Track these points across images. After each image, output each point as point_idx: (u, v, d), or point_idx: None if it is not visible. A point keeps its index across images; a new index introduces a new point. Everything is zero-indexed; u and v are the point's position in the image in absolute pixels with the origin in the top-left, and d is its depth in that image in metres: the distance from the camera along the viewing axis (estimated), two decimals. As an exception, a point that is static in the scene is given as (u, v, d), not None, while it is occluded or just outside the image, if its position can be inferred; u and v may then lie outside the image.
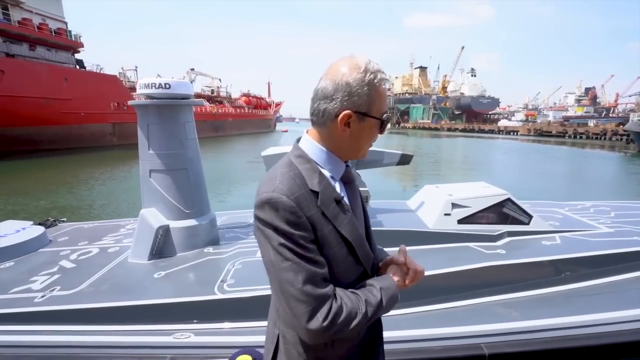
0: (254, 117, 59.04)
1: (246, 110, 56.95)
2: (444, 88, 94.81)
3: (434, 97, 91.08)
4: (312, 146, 0.87)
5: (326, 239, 0.80)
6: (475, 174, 16.54)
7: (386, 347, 2.31)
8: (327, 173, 0.86)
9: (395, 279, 0.91)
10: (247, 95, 62.77)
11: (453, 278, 2.84)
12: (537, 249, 3.31)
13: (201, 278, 3.01)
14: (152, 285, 2.92)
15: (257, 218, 0.79)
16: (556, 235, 3.58)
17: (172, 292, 2.79)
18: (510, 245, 3.35)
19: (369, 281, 0.88)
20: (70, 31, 24.44)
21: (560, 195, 8.71)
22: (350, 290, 0.83)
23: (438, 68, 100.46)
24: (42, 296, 2.80)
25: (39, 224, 4.64)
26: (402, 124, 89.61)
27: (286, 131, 67.41)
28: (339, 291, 0.80)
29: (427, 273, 3.00)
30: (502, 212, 3.62)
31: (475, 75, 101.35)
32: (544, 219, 3.97)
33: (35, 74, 19.76)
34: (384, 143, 39.38)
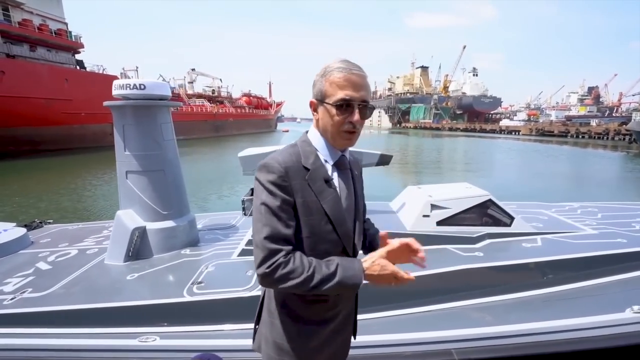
0: (255, 117, 59.10)
1: (247, 110, 57.02)
2: (446, 88, 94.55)
3: (435, 96, 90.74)
4: (313, 133, 1.06)
5: (307, 207, 0.96)
6: (472, 173, 16.45)
7: (354, 352, 2.28)
8: (322, 156, 1.03)
9: (366, 265, 0.96)
10: (248, 95, 62.91)
11: (426, 281, 2.79)
12: (516, 251, 3.26)
13: (173, 280, 2.99)
14: (123, 287, 2.90)
15: (255, 178, 0.97)
16: (538, 237, 3.53)
17: (143, 294, 2.77)
18: (489, 248, 3.30)
19: (336, 257, 0.97)
20: (70, 32, 24.56)
21: (555, 196, 8.63)
22: (310, 257, 0.95)
23: (439, 68, 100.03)
24: (12, 298, 2.79)
25: (24, 226, 4.65)
26: (403, 124, 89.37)
27: (287, 131, 67.43)
28: (298, 254, 0.93)
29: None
30: (483, 214, 3.57)
31: (477, 75, 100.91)
32: (528, 220, 3.92)
33: (36, 75, 19.86)
34: (385, 142, 39.42)
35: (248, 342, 1.27)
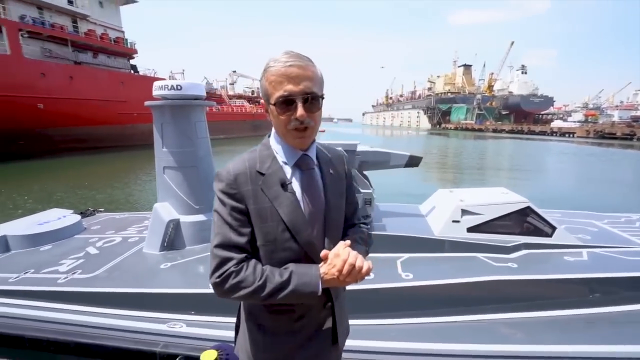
0: (292, 117, 60.19)
1: (284, 111, 58.19)
2: (490, 87, 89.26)
3: (478, 96, 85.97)
4: (273, 136, 1.01)
5: (261, 213, 0.92)
6: (516, 178, 15.38)
7: (372, 357, 2.24)
8: (280, 159, 0.97)
9: (322, 270, 0.89)
10: (285, 95, 64.19)
11: (453, 290, 2.67)
12: (557, 265, 3.00)
13: (202, 271, 3.14)
14: (157, 275, 3.11)
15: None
16: (584, 250, 3.22)
17: (174, 283, 2.95)
18: (525, 259, 3.07)
19: (292, 264, 0.92)
20: (126, 39, 26.70)
21: (610, 206, 7.81)
22: (265, 266, 0.91)
23: (484, 66, 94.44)
24: (65, 278, 3.11)
25: (80, 213, 5.16)
26: (443, 125, 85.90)
27: (324, 131, 67.81)
28: (252, 263, 0.90)
29: (425, 283, 2.81)
30: (520, 222, 3.33)
31: (526, 73, 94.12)
32: (573, 231, 3.60)
33: (97, 79, 21.95)
34: (422, 143, 38.15)
35: None
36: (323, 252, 0.91)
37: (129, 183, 12.54)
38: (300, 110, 0.88)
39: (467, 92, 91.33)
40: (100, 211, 5.74)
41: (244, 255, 0.90)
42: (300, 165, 0.98)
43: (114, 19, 26.16)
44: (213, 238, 0.92)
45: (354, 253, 0.90)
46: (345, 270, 0.87)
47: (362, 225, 1.18)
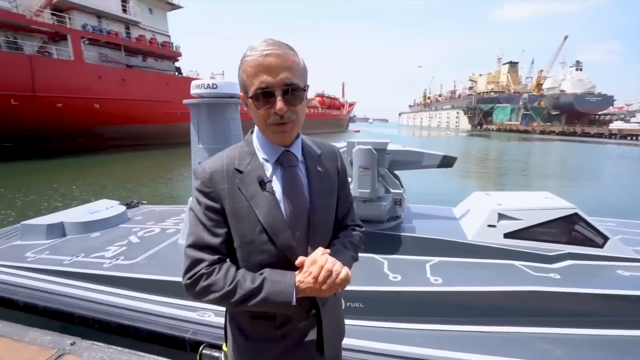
0: (327, 117, 60.48)
1: (319, 110, 58.74)
2: (539, 85, 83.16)
3: (525, 95, 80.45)
4: (255, 132, 0.96)
5: (237, 213, 0.86)
6: (566, 183, 14.19)
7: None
8: (261, 155, 0.92)
9: (298, 278, 0.84)
10: (321, 95, 64.67)
11: (485, 298, 2.52)
12: (608, 279, 2.73)
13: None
14: (190, 265, 3.27)
15: None
16: None
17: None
18: (569, 270, 2.82)
19: (267, 270, 0.86)
20: (172, 43, 28.35)
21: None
22: (240, 270, 0.86)
23: (532, 62, 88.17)
24: (110, 263, 3.37)
25: (125, 205, 5.58)
26: (484, 126, 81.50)
27: (358, 131, 67.39)
28: (225, 266, 0.85)
29: (454, 289, 2.68)
30: (565, 230, 3.07)
31: (581, 69, 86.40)
32: (630, 243, 3.25)
33: (145, 81, 23.59)
34: (461, 144, 36.45)
35: None
36: (299, 260, 0.86)
37: (172, 178, 13.31)
38: (279, 104, 0.82)
39: (512, 91, 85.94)
40: (143, 203, 6.16)
41: (217, 257, 0.85)
42: (282, 162, 0.92)
43: (162, 24, 27.90)
44: (187, 238, 0.89)
45: (332, 260, 0.84)
46: (321, 278, 0.81)
47: (355, 227, 1.09)
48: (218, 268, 0.84)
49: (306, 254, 0.88)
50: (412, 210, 3.96)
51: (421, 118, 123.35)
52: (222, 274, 0.83)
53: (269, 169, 0.91)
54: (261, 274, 0.85)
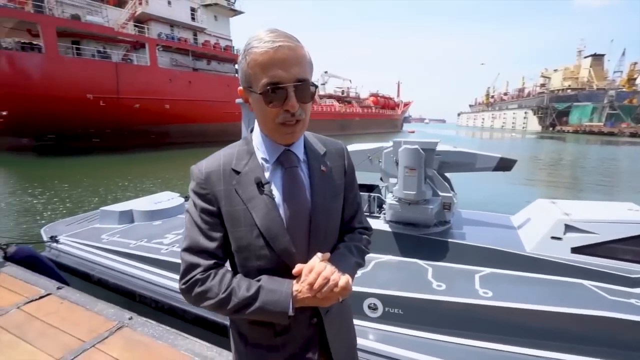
0: (380, 116, 59.47)
1: (373, 110, 57.98)
2: (631, 80, 71.96)
3: (611, 92, 70.12)
4: (255, 130, 0.90)
5: (234, 217, 0.82)
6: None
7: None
8: (259, 155, 0.86)
9: (296, 288, 0.79)
10: (375, 95, 63.72)
11: (544, 319, 2.24)
12: None
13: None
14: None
15: None
16: None
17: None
18: None
19: (265, 277, 0.82)
20: (233, 47, 30.18)
21: None
22: (236, 275, 0.83)
23: (623, 54, 76.63)
24: (166, 249, 3.69)
25: (185, 197, 6.08)
26: (558, 127, 72.79)
27: (413, 132, 65.03)
28: (221, 271, 0.82)
29: (506, 304, 2.43)
30: None
31: (689, 61, 72.96)
32: None
33: (209, 83, 25.50)
34: (530, 147, 32.99)
35: None
36: (296, 268, 0.80)
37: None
38: (292, 100, 0.75)
39: (594, 87, 75.51)
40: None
41: (212, 262, 0.82)
42: (283, 162, 0.86)
43: (225, 29, 29.84)
44: (183, 241, 0.85)
45: (330, 267, 0.79)
46: (317, 286, 0.75)
47: (363, 230, 1.02)
48: (214, 274, 0.80)
49: (306, 260, 0.82)
50: (463, 216, 3.69)
51: (483, 118, 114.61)
52: (217, 280, 0.79)
53: (268, 169, 0.85)
54: (258, 280, 0.81)
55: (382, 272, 2.85)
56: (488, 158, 3.18)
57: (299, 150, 0.89)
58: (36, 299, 2.66)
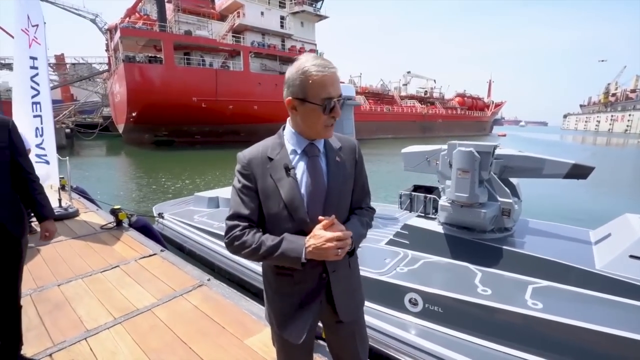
0: (466, 118, 54.95)
1: (458, 112, 53.92)
2: None
3: None
4: (286, 128, 1.18)
5: (266, 192, 1.10)
6: None
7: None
8: (289, 147, 1.13)
9: (308, 242, 1.04)
10: (461, 95, 59.07)
11: (594, 341, 2.04)
12: None
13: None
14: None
15: None
16: None
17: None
18: None
19: (286, 234, 1.08)
20: (317, 50, 31.58)
21: None
22: (264, 234, 1.09)
23: None
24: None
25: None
26: None
27: (504, 135, 58.47)
28: (253, 230, 1.09)
29: (555, 318, 2.31)
30: None
31: None
32: None
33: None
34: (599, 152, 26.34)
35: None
36: (320, 218, 1.06)
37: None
38: (339, 111, 1.07)
39: None
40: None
41: (247, 223, 1.09)
42: (307, 152, 1.12)
43: (310, 34, 31.39)
44: (229, 210, 1.12)
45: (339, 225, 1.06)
46: (325, 223, 1.03)
47: (368, 209, 1.28)
48: (248, 231, 1.08)
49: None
50: (531, 226, 3.44)
51: (597, 121, 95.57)
52: (250, 236, 1.07)
53: (294, 158, 1.12)
54: (281, 236, 1.08)
55: (429, 271, 2.90)
56: (559, 164, 2.92)
57: (320, 144, 1.15)
58: (147, 256, 3.49)
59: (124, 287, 2.86)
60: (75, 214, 4.79)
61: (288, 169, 1.09)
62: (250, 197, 1.10)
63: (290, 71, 1.09)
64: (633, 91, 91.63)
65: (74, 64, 34.81)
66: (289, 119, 1.18)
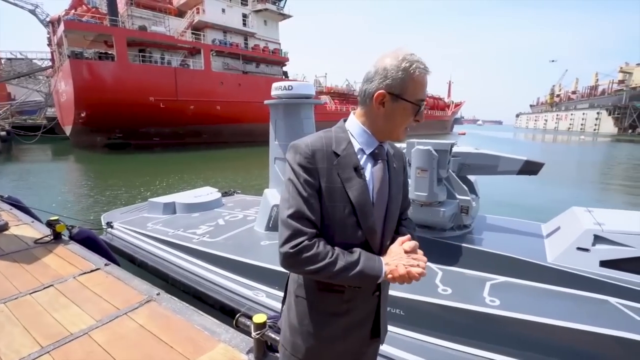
0: (429, 118, 57.29)
1: (421, 111, 56.11)
2: None
3: None
4: (352, 122, 1.02)
5: (331, 192, 0.93)
6: None
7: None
8: (357, 144, 0.99)
9: (385, 260, 0.93)
10: (423, 95, 61.48)
11: (552, 334, 2.10)
12: None
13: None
14: (256, 250, 3.66)
15: (286, 158, 0.99)
16: None
17: (267, 259, 3.41)
18: None
19: (359, 249, 0.94)
20: (281, 50, 31.21)
21: None
22: (334, 247, 0.92)
23: None
24: (197, 239, 4.04)
25: (223, 193, 6.54)
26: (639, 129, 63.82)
27: (464, 134, 61.67)
28: (323, 240, 0.91)
29: (511, 315, 2.34)
30: None
31: None
32: None
33: (257, 85, 26.67)
34: (602, 152, 29.34)
35: None
36: (403, 239, 0.98)
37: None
38: (424, 115, 0.99)
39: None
40: (238, 193, 7.08)
41: (315, 231, 0.90)
42: (376, 155, 1.00)
43: (274, 33, 30.95)
44: (286, 208, 0.91)
45: (423, 257, 0.94)
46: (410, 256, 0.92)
47: (409, 219, 1.21)
48: (318, 242, 0.89)
49: (381, 240, 0.99)
50: (488, 222, 3.53)
51: (545, 120, 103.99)
52: (322, 247, 0.88)
53: (362, 158, 0.98)
54: (352, 250, 0.93)
55: (391, 272, 2.87)
56: (512, 161, 3.02)
57: (387, 147, 1.06)
58: (87, 272, 3.13)
59: (57, 310, 2.53)
60: (4, 227, 4.24)
61: (358, 169, 0.95)
62: (314, 198, 0.92)
63: (389, 62, 0.93)
64: (574, 92, 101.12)
65: (9, 59, 31.64)
66: (354, 112, 1.03)
